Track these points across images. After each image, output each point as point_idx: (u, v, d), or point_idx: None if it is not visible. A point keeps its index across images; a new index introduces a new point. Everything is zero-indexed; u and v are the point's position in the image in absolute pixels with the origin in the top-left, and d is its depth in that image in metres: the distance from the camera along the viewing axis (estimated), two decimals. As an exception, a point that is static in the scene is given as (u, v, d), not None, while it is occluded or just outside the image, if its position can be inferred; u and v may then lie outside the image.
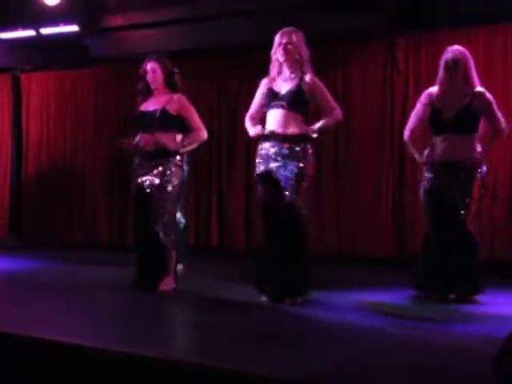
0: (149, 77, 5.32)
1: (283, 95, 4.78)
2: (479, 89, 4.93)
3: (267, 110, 4.87)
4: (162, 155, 5.18)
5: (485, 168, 4.96)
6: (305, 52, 4.83)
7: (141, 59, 5.49)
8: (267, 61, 4.91)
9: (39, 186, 8.99)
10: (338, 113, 4.89)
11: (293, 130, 4.69)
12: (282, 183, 4.70)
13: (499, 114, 4.95)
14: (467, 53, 4.95)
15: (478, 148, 4.92)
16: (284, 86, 4.82)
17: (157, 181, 5.17)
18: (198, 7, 7.39)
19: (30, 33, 8.01)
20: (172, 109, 5.25)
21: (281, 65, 4.85)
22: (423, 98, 5.06)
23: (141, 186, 5.23)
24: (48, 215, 8.83)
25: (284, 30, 4.84)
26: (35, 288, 5.51)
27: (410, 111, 5.31)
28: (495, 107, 4.94)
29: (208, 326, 4.11)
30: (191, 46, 7.68)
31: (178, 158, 5.24)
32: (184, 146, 5.31)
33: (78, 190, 8.74)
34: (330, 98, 4.93)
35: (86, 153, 8.74)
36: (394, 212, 6.98)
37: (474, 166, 4.89)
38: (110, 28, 7.96)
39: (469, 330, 3.99)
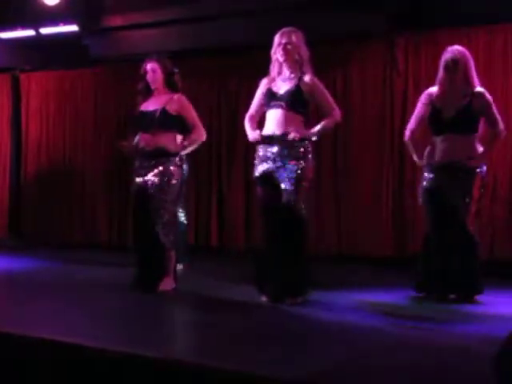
0: (149, 77, 5.32)
1: (282, 95, 4.77)
2: (479, 89, 4.93)
3: (266, 110, 4.87)
4: (162, 155, 5.19)
5: (485, 168, 4.97)
6: (304, 52, 4.83)
7: (140, 59, 5.49)
8: (267, 61, 4.91)
9: (39, 186, 8.99)
10: (337, 114, 4.88)
11: (294, 135, 4.66)
12: (282, 183, 4.69)
13: (498, 117, 4.95)
14: (467, 53, 4.95)
15: (479, 148, 4.92)
16: (283, 86, 4.81)
17: (157, 181, 5.17)
18: (197, 7, 7.39)
19: (30, 33, 8.00)
20: (172, 109, 5.25)
21: (281, 65, 4.84)
22: (423, 98, 5.06)
23: (141, 185, 5.23)
24: (48, 215, 8.83)
25: (284, 30, 4.83)
26: (35, 288, 5.51)
27: (410, 111, 5.32)
28: (494, 109, 4.94)
29: (208, 326, 4.11)
30: (191, 46, 7.68)
31: (177, 157, 5.25)
32: (185, 148, 5.32)
33: (77, 190, 8.74)
34: (330, 98, 4.92)
35: (85, 153, 8.74)
36: (393, 212, 6.97)
37: (473, 166, 4.89)
38: (110, 28, 7.96)
39: (469, 330, 3.99)
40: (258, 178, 4.84)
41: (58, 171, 8.86)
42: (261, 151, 4.82)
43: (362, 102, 7.15)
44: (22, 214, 9.15)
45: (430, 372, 3.13)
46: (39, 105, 9.05)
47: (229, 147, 7.83)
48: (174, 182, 5.19)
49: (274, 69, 4.89)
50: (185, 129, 5.35)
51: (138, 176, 5.26)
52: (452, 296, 4.87)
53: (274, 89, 4.83)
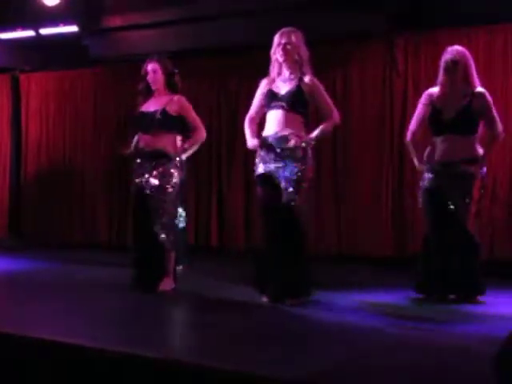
0: (150, 77, 5.32)
1: (283, 96, 4.77)
2: (479, 89, 4.93)
3: (267, 111, 4.86)
4: (162, 156, 5.19)
5: (485, 169, 4.96)
6: (304, 52, 4.82)
7: (140, 59, 5.49)
8: (267, 61, 4.91)
9: (39, 186, 8.99)
10: (336, 116, 4.87)
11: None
12: (282, 184, 4.69)
13: (497, 119, 4.94)
14: (467, 53, 4.94)
15: (478, 149, 4.92)
16: (283, 87, 4.81)
17: (156, 181, 5.17)
18: (197, 7, 7.39)
19: (30, 33, 8.01)
20: (172, 110, 5.25)
21: (280, 65, 4.84)
22: (424, 98, 5.06)
23: (140, 186, 5.23)
24: (47, 215, 8.83)
25: (283, 30, 4.83)
26: (35, 288, 5.51)
27: (410, 112, 5.33)
28: (494, 111, 4.93)
29: (208, 326, 4.11)
30: (191, 47, 7.68)
31: (177, 158, 5.25)
32: (185, 151, 5.33)
33: (77, 190, 8.74)
34: (329, 100, 4.90)
35: (85, 153, 8.74)
36: (393, 212, 6.98)
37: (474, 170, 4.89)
38: (110, 28, 7.96)
39: (469, 330, 3.99)
40: (258, 177, 4.84)
41: (57, 171, 8.87)
42: (261, 151, 4.81)
43: (361, 102, 7.15)
44: (22, 213, 9.16)
45: (430, 372, 3.13)
46: (39, 105, 9.05)
47: (229, 147, 7.83)
48: (173, 182, 5.19)
49: (273, 69, 4.88)
50: (185, 130, 5.35)
51: (138, 177, 5.26)
52: (452, 296, 4.87)
53: (275, 89, 4.82)
